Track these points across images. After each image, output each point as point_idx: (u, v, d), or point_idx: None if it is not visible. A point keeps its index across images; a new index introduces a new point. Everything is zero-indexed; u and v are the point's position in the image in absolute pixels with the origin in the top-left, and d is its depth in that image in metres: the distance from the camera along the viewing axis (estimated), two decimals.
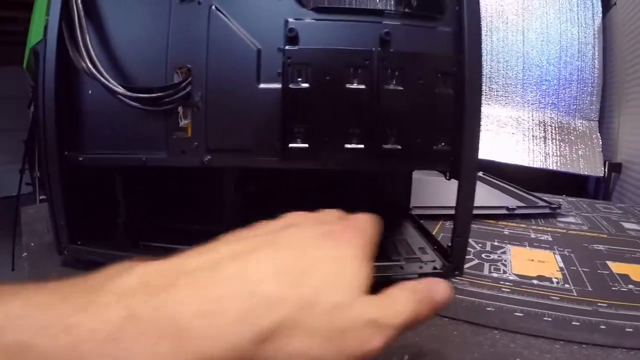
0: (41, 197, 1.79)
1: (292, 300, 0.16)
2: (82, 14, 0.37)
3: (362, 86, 0.34)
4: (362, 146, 0.34)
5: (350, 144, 0.34)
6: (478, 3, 0.36)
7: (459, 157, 0.35)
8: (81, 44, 0.37)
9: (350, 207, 0.49)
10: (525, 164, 0.89)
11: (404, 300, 0.19)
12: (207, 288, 0.15)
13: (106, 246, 0.41)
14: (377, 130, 0.34)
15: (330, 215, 0.24)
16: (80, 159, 0.39)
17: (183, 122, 0.36)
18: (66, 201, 0.40)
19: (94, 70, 0.36)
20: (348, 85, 0.34)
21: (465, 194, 0.36)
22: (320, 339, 0.15)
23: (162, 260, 0.17)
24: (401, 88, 0.34)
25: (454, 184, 0.38)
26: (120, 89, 0.36)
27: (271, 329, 0.15)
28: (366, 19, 0.35)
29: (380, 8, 0.36)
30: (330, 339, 0.16)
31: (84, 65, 0.36)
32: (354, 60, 0.34)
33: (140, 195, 0.44)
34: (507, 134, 0.91)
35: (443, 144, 0.36)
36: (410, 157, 0.35)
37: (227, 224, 0.38)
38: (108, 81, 0.36)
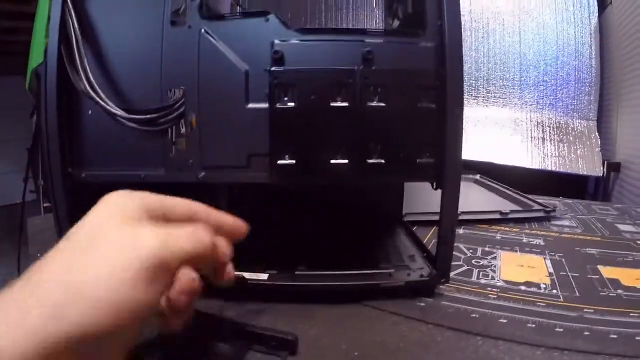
0: (45, 205, 1.83)
1: None
2: (79, 37, 0.39)
3: (346, 104, 0.35)
4: (346, 161, 0.36)
5: (336, 159, 0.36)
6: (459, 17, 0.37)
7: (442, 169, 0.37)
8: (79, 66, 0.39)
9: (344, 215, 0.51)
10: (524, 166, 0.89)
11: None
12: None
13: None
14: (361, 146, 0.36)
15: None
16: (83, 175, 0.41)
17: (179, 143, 0.38)
18: (72, 216, 0.42)
19: (92, 93, 0.38)
20: (332, 103, 0.35)
21: (449, 204, 0.38)
22: None
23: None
24: (383, 104, 0.36)
25: None
26: (117, 111, 0.38)
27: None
28: (349, 38, 0.36)
29: (365, 27, 0.37)
30: None
31: (83, 87, 0.38)
32: (337, 79, 0.35)
33: None
34: (506, 136, 0.91)
35: (427, 156, 0.37)
36: (395, 171, 0.37)
37: None
38: (106, 103, 0.38)
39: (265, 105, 0.36)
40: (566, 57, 0.94)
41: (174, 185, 0.40)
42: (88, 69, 0.39)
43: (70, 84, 0.39)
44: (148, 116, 0.38)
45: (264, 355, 0.31)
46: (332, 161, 0.36)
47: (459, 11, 0.37)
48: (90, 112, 0.41)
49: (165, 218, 0.24)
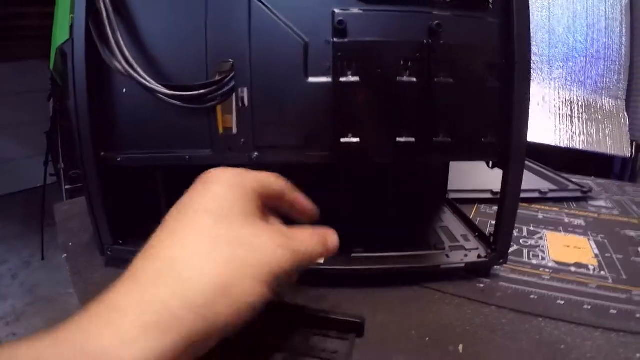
0: (67, 187, 1.80)
1: None
2: (110, 8, 0.36)
3: (413, 79, 0.33)
4: (413, 140, 0.34)
5: (402, 137, 0.34)
6: None
7: (508, 149, 0.35)
8: (112, 41, 0.35)
9: (389, 191, 0.50)
10: (552, 143, 0.88)
11: None
12: None
13: None
14: (428, 124, 0.34)
15: None
16: (119, 159, 0.39)
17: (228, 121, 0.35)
18: (106, 202, 0.40)
19: (129, 69, 0.35)
20: (399, 78, 0.33)
21: (512, 185, 0.36)
22: None
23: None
24: (451, 80, 0.34)
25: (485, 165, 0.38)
26: (159, 88, 0.35)
27: None
28: (415, 9, 0.34)
29: None
30: None
31: (118, 64, 0.35)
32: (405, 52, 0.33)
33: (181, 190, 0.44)
34: (533, 112, 0.90)
35: (491, 135, 0.36)
36: (460, 150, 0.35)
37: None
38: (145, 80, 0.35)
39: (326, 79, 0.33)
40: (596, 34, 0.91)
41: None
42: (122, 43, 0.36)
43: (101, 60, 0.36)
44: (194, 92, 0.35)
45: (332, 339, 0.30)
46: (399, 139, 0.34)
47: None
48: (124, 90, 0.38)
49: (264, 198, 0.24)
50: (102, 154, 0.39)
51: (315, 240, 0.24)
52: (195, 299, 0.18)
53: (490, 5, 0.34)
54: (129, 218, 0.43)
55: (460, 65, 0.34)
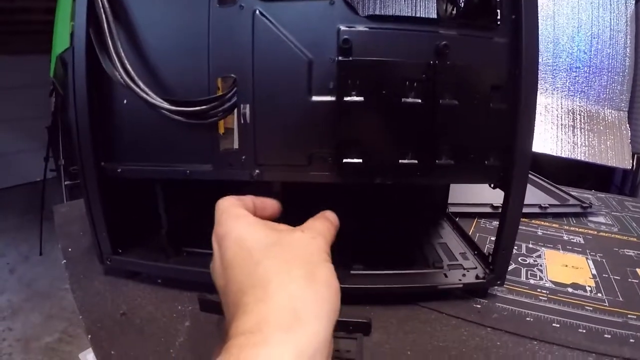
0: (66, 183, 1.79)
1: None
2: (110, 18, 0.35)
3: (418, 100, 0.33)
4: (415, 162, 0.34)
5: (405, 159, 0.34)
6: (536, 12, 0.34)
7: (510, 172, 0.35)
8: (112, 51, 0.35)
9: (389, 204, 0.49)
10: (553, 153, 0.88)
11: None
12: None
13: (148, 255, 0.41)
14: (432, 146, 0.34)
15: None
16: (119, 170, 0.38)
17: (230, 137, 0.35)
18: (106, 211, 0.39)
19: (129, 82, 0.35)
20: (404, 99, 0.33)
21: (514, 208, 0.36)
22: None
23: None
24: (456, 102, 0.33)
25: None
26: (160, 103, 0.34)
27: None
28: (422, 28, 0.33)
29: (432, 17, 0.34)
30: None
31: (118, 75, 0.35)
32: (411, 73, 0.33)
33: (181, 201, 0.44)
34: (535, 122, 0.90)
35: (495, 157, 0.35)
36: (463, 172, 0.35)
37: None
38: (147, 94, 0.35)
39: (330, 98, 0.33)
40: (600, 45, 0.90)
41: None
42: (123, 54, 0.35)
43: (102, 70, 0.36)
44: (196, 108, 0.35)
45: (341, 339, 0.30)
46: (401, 161, 0.33)
47: (537, 5, 0.34)
48: (125, 101, 0.37)
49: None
50: (103, 164, 0.39)
51: (321, 220, 0.28)
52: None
53: (498, 23, 0.34)
54: (128, 227, 0.42)
55: (466, 86, 0.33)
